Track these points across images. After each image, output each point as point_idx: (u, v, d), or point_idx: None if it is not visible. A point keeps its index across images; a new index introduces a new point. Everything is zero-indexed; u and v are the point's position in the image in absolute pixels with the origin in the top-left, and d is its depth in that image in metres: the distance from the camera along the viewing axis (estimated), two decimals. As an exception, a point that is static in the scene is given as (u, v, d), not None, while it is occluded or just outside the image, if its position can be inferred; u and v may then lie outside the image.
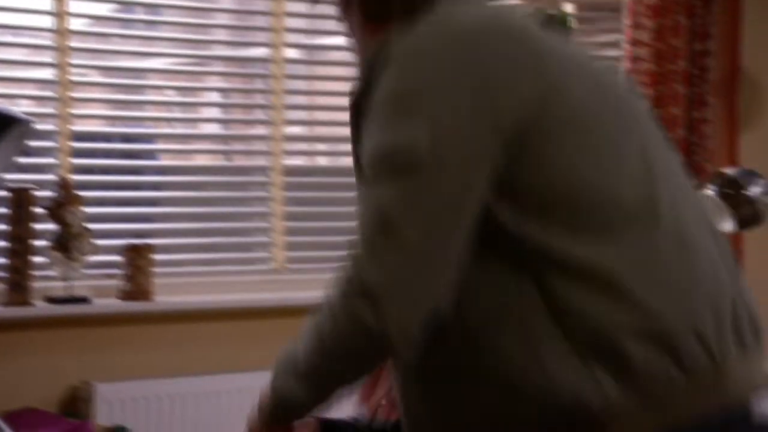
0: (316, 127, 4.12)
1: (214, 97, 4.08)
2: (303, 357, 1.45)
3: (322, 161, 4.31)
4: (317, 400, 1.48)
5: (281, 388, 1.48)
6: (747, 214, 3.50)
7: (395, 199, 1.34)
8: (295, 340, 1.50)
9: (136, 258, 3.38)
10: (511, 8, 1.50)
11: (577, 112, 1.40)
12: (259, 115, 3.81)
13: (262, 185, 3.75)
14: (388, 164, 1.35)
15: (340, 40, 1.80)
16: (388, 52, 1.40)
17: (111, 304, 3.37)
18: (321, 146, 4.16)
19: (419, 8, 1.45)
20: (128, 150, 3.73)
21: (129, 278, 3.38)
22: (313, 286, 3.65)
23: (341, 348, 1.40)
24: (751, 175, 3.55)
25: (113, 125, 3.86)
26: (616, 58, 3.94)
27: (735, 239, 3.91)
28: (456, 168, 1.34)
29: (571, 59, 1.44)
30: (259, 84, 3.82)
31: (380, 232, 1.33)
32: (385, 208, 1.34)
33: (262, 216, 3.77)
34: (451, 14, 1.42)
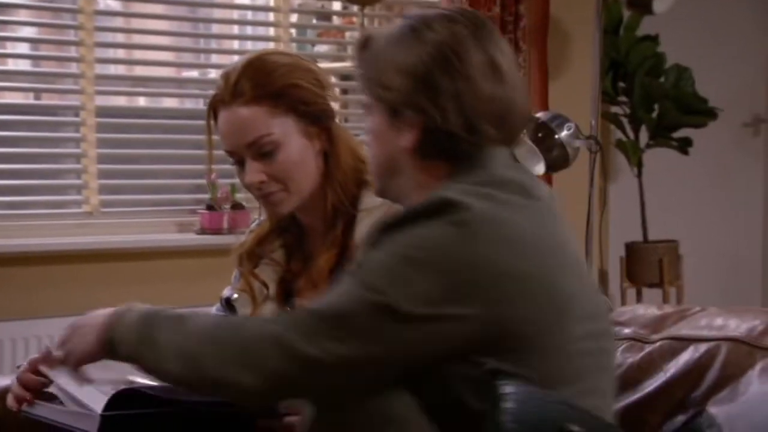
0: (135, 66, 4.03)
1: (24, 31, 3.92)
2: (168, 332, 1.52)
3: (142, 102, 4.22)
4: (142, 365, 1.56)
5: (121, 332, 1.56)
6: (557, 157, 3.62)
7: (364, 317, 1.45)
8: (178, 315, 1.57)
9: (-61, 201, 3.24)
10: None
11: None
12: (71, 52, 3.69)
13: (74, 126, 3.65)
14: (378, 299, 1.45)
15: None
16: (443, 210, 1.48)
17: None
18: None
19: (468, 161, 1.56)
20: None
21: (-68, 222, 3.24)
22: (128, 230, 3.59)
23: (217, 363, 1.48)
24: (561, 119, 3.66)
25: None
26: (432, 4, 3.97)
27: (545, 180, 4.03)
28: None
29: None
30: (68, 19, 3.69)
31: (336, 327, 1.46)
32: (357, 313, 1.45)
33: (75, 158, 3.66)
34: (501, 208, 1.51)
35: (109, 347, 1.58)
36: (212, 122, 1.93)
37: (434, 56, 1.55)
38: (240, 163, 1.91)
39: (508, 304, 1.46)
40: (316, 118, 1.91)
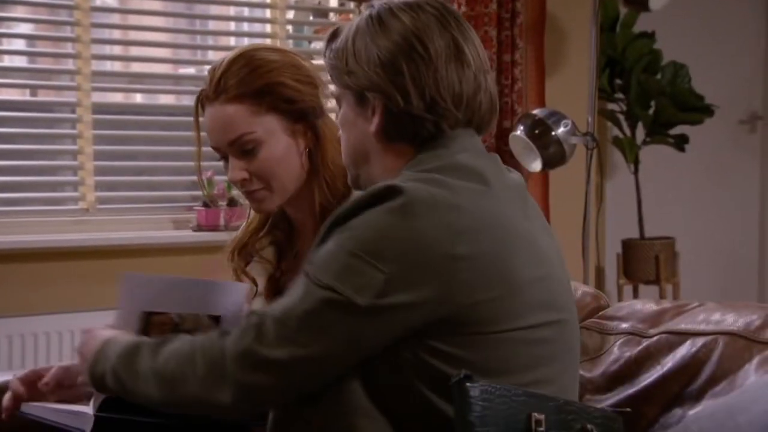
0: (131, 63, 4.02)
1: (21, 28, 3.92)
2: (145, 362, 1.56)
3: (139, 99, 4.21)
4: (126, 394, 1.60)
5: (100, 372, 1.60)
6: (553, 154, 3.62)
7: (319, 316, 1.48)
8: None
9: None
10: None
11: None
12: (67, 48, 3.68)
13: (71, 123, 3.64)
14: (329, 295, 1.47)
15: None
16: (396, 197, 1.49)
17: None
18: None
19: (430, 142, 1.59)
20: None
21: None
22: (124, 226, 3.59)
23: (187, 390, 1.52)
24: (558, 116, 3.66)
25: None
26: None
27: (542, 177, 4.03)
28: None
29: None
30: (64, 15, 3.68)
31: (295, 329, 1.48)
32: (312, 312, 1.48)
33: (71, 154, 3.66)
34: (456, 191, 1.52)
35: (92, 381, 1.62)
36: (200, 118, 1.93)
37: (398, 43, 1.58)
38: (225, 159, 1.90)
39: (459, 286, 1.47)
40: (301, 115, 1.89)
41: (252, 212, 2.01)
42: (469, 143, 1.61)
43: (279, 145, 1.87)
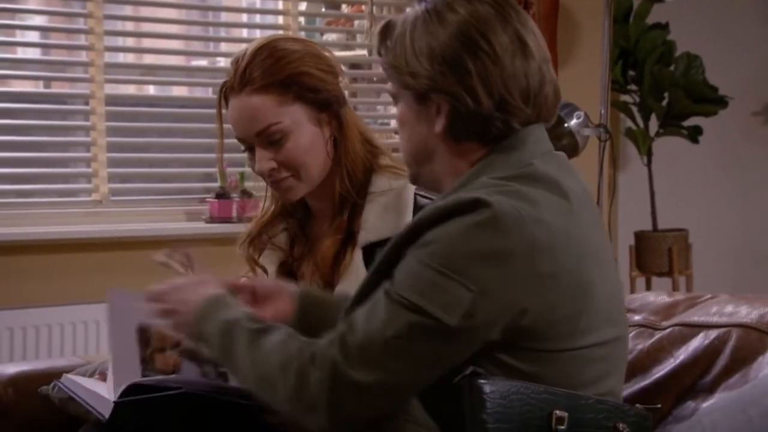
0: (144, 55, 4.02)
1: (34, 20, 3.92)
2: (238, 350, 1.52)
3: (151, 90, 4.22)
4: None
5: (200, 333, 1.58)
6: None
7: (409, 340, 1.41)
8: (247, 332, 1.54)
9: (-51, 189, 3.25)
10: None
11: None
12: (80, 40, 3.69)
13: (84, 114, 3.65)
14: (417, 319, 1.41)
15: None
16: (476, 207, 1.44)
17: None
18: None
19: (501, 141, 1.54)
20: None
21: (-59, 210, 3.25)
22: (136, 218, 3.59)
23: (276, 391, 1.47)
24: (570, 108, 3.65)
25: None
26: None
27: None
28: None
29: None
30: (77, 7, 3.69)
31: (386, 356, 1.42)
32: (401, 336, 1.41)
33: (84, 146, 3.67)
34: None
35: (196, 340, 1.60)
36: (223, 110, 1.93)
37: (459, 38, 1.52)
38: (251, 149, 1.91)
39: (543, 302, 1.44)
40: (325, 104, 1.90)
41: (266, 204, 2.02)
42: (541, 144, 1.57)
43: (305, 134, 1.89)
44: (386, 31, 1.60)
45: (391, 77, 1.59)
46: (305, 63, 1.89)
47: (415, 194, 1.91)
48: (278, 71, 1.87)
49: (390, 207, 1.90)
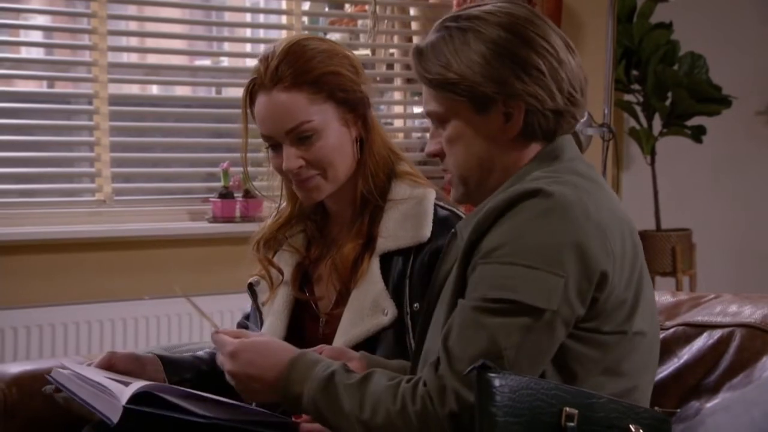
0: (147, 55, 4.02)
1: (38, 19, 3.93)
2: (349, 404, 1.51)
3: (155, 90, 4.22)
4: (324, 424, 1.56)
5: (295, 392, 1.55)
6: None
7: (512, 341, 1.44)
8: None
9: (-47, 189, 3.25)
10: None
11: None
12: (84, 40, 3.69)
13: (88, 114, 3.65)
14: (514, 308, 1.44)
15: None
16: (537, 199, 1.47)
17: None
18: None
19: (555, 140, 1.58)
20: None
21: (-55, 210, 3.25)
22: (140, 218, 3.60)
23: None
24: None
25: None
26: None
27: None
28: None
29: None
30: (81, 7, 3.69)
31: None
32: (499, 343, 1.44)
33: (87, 146, 3.67)
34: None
35: (288, 400, 1.57)
36: (248, 109, 1.92)
37: (521, 40, 1.55)
38: (275, 147, 1.91)
39: (612, 282, 1.48)
40: (353, 105, 1.91)
41: (282, 206, 2.01)
42: (573, 143, 1.62)
43: (334, 133, 1.89)
44: (420, 52, 1.59)
45: (442, 93, 1.58)
46: (335, 62, 1.90)
47: (435, 205, 1.91)
48: (311, 70, 1.87)
49: (410, 215, 1.89)
